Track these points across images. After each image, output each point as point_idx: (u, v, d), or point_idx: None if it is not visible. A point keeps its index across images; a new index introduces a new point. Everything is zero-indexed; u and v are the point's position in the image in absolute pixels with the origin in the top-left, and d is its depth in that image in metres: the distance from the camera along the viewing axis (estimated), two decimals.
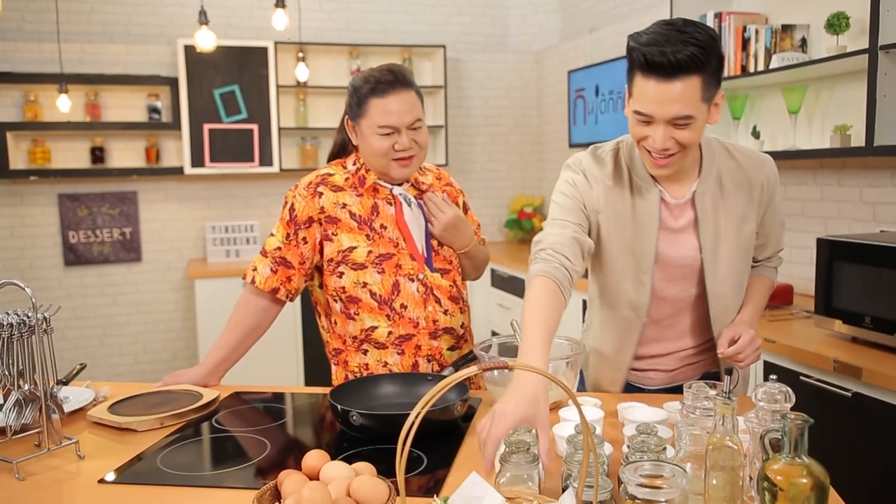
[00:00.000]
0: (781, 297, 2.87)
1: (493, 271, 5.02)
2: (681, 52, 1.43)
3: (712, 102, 1.54)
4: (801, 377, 2.31)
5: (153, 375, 5.17)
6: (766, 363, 2.48)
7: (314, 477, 1.15)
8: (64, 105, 4.46)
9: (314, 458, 1.17)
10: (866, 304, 2.25)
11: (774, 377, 1.11)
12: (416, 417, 0.96)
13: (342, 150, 2.00)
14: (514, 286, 4.71)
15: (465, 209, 2.07)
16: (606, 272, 1.76)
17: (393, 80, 1.83)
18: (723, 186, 1.70)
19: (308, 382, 4.86)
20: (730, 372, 1.07)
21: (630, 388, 1.86)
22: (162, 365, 5.20)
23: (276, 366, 4.72)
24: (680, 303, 1.75)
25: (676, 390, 1.82)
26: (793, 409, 1.09)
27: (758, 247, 1.82)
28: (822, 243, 2.41)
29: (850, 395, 2.14)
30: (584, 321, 1.97)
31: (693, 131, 1.52)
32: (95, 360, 5.06)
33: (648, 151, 1.58)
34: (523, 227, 5.65)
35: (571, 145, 5.09)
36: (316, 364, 4.83)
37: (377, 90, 1.82)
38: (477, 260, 2.04)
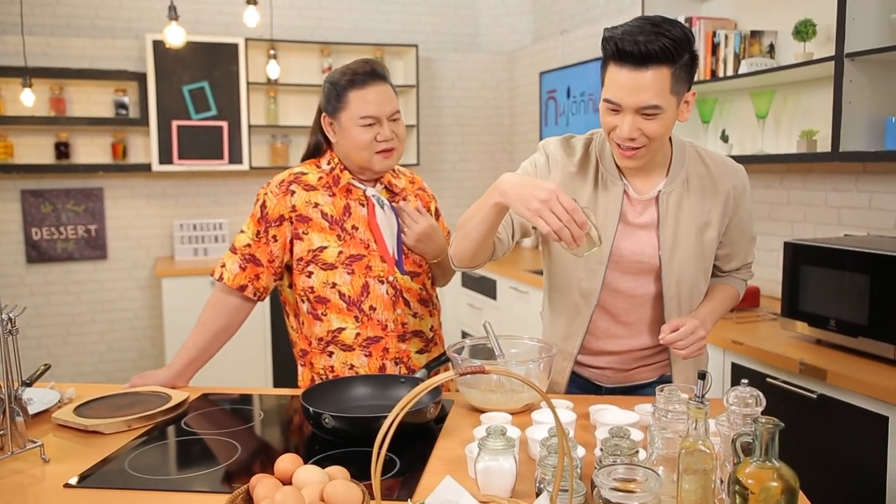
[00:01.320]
0: (748, 300, 2.91)
1: (462, 272, 5.02)
2: (653, 42, 1.47)
3: (682, 99, 1.57)
4: (768, 379, 2.34)
5: (118, 375, 5.09)
6: (733, 365, 2.51)
7: (287, 481, 1.14)
8: (28, 99, 4.37)
9: (287, 462, 1.16)
10: (831, 307, 2.29)
11: (745, 381, 1.13)
12: (393, 421, 0.95)
13: (316, 151, 1.98)
14: (485, 286, 4.72)
15: (437, 215, 2.06)
16: (559, 256, 1.77)
17: (371, 71, 1.84)
18: (689, 189, 1.71)
19: (276, 383, 4.82)
20: (702, 376, 1.08)
21: (587, 386, 1.87)
22: (127, 364, 5.12)
23: (245, 366, 4.67)
24: (636, 298, 1.76)
25: (632, 391, 1.85)
26: (762, 412, 1.11)
27: (722, 257, 1.82)
28: (788, 247, 2.45)
29: (815, 396, 2.18)
30: None
31: (661, 123, 1.54)
32: (59, 360, 4.96)
33: (618, 144, 1.60)
34: None
35: None
36: (284, 365, 4.79)
37: (356, 82, 1.82)
38: (447, 268, 2.04)
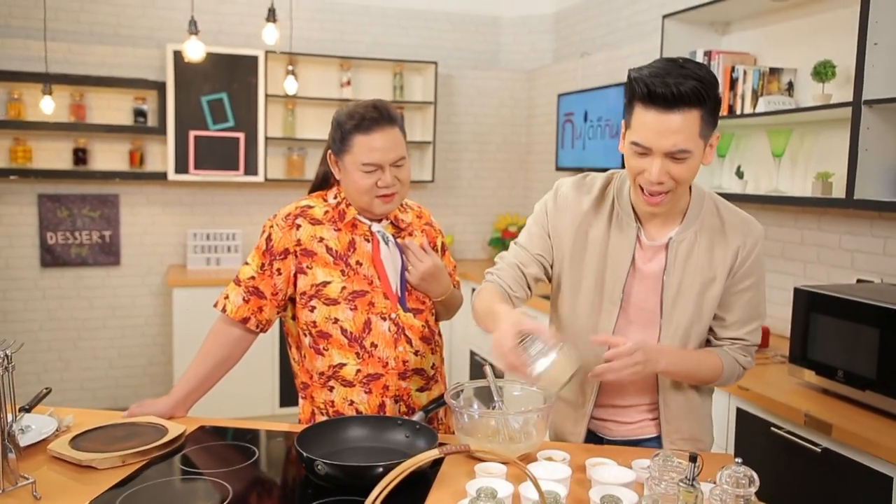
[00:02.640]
0: None
1: (473, 290, 5.00)
2: (683, 84, 1.45)
3: (708, 142, 1.55)
4: (773, 428, 2.31)
5: (126, 381, 5.12)
6: (738, 410, 2.48)
7: None
8: (48, 107, 4.41)
9: None
10: (840, 358, 2.26)
11: (739, 460, 1.11)
12: (380, 494, 0.94)
13: (324, 182, 1.98)
14: None
15: (443, 250, 2.05)
16: (570, 301, 1.76)
17: (377, 116, 1.82)
18: (699, 241, 1.68)
19: (283, 401, 4.83)
20: (693, 459, 1.06)
21: (590, 436, 1.84)
22: (137, 370, 5.15)
23: (252, 382, 4.68)
24: None
25: (635, 444, 1.81)
26: (764, 460, 1.08)
27: (717, 319, 1.72)
28: (799, 294, 2.42)
29: (819, 450, 2.14)
30: None
31: (689, 167, 1.53)
32: (69, 363, 5.00)
33: (642, 189, 1.58)
34: (507, 245, 5.62)
35: (558, 168, 5.09)
36: (292, 382, 4.79)
37: (361, 126, 1.81)
38: (451, 305, 2.03)
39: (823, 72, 2.74)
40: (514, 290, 1.72)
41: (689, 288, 1.68)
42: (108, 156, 4.95)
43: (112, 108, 4.92)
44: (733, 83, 3.17)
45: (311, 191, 2.01)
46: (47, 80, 4.48)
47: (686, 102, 1.46)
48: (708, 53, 3.27)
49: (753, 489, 1.10)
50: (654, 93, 1.47)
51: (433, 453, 0.95)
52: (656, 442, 1.80)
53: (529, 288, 1.77)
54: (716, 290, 1.68)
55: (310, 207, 1.91)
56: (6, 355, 1.39)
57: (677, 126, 1.47)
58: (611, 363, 1.56)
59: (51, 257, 4.89)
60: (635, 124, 1.53)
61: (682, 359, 1.68)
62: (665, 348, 1.68)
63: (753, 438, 2.41)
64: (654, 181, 1.53)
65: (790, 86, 3.06)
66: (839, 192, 2.72)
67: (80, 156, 4.83)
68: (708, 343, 1.76)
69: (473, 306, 1.72)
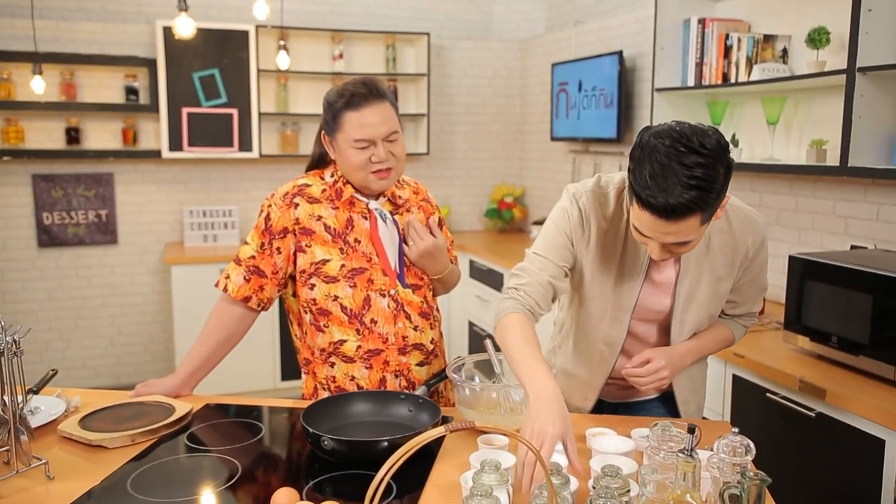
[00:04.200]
0: None
1: (471, 262, 5.04)
2: (682, 196, 1.37)
3: (714, 214, 1.49)
4: (768, 394, 2.35)
5: (128, 358, 5.15)
6: (734, 377, 2.52)
7: None
8: (38, 86, 4.38)
9: (283, 497, 1.19)
10: (834, 324, 2.29)
11: (736, 430, 1.14)
12: (387, 472, 0.97)
13: (320, 162, 1.99)
14: (492, 279, 4.73)
15: (440, 225, 2.07)
16: (585, 308, 1.80)
17: (367, 92, 1.83)
18: (710, 246, 1.71)
19: (284, 375, 4.87)
20: (692, 430, 1.09)
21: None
22: (137, 348, 5.18)
23: (254, 357, 4.72)
24: (645, 340, 1.82)
25: (633, 406, 1.91)
26: (759, 426, 1.11)
27: (729, 303, 1.83)
28: (794, 261, 2.45)
29: (814, 415, 2.19)
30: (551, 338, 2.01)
31: (692, 247, 1.52)
32: (70, 342, 5.02)
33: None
34: (503, 216, 5.66)
35: (553, 138, 5.09)
36: (294, 357, 4.83)
37: (351, 104, 1.82)
38: (448, 282, 2.06)
39: (818, 38, 2.74)
40: (541, 307, 1.68)
41: (702, 292, 1.74)
42: (101, 135, 4.93)
43: (103, 86, 4.89)
44: (727, 51, 3.16)
45: (308, 170, 2.02)
46: (37, 60, 4.44)
47: (685, 213, 1.39)
48: (702, 21, 3.26)
49: (750, 457, 1.13)
50: (649, 203, 1.40)
51: (439, 430, 0.97)
52: (653, 405, 1.90)
53: (554, 300, 1.74)
54: (725, 286, 1.76)
55: (307, 186, 1.92)
56: (14, 340, 1.41)
57: (675, 229, 1.43)
58: (638, 379, 1.66)
59: (47, 237, 4.89)
60: (634, 215, 1.49)
61: (701, 347, 1.80)
62: (684, 350, 1.76)
63: (749, 404, 2.45)
64: (657, 258, 1.53)
65: (784, 53, 3.06)
66: (833, 159, 2.73)
67: (72, 135, 4.81)
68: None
69: (500, 329, 1.64)
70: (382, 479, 0.93)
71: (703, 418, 1.97)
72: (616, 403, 1.93)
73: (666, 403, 1.90)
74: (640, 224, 1.48)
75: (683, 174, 1.37)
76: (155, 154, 4.93)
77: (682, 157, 1.37)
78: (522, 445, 1.26)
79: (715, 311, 1.80)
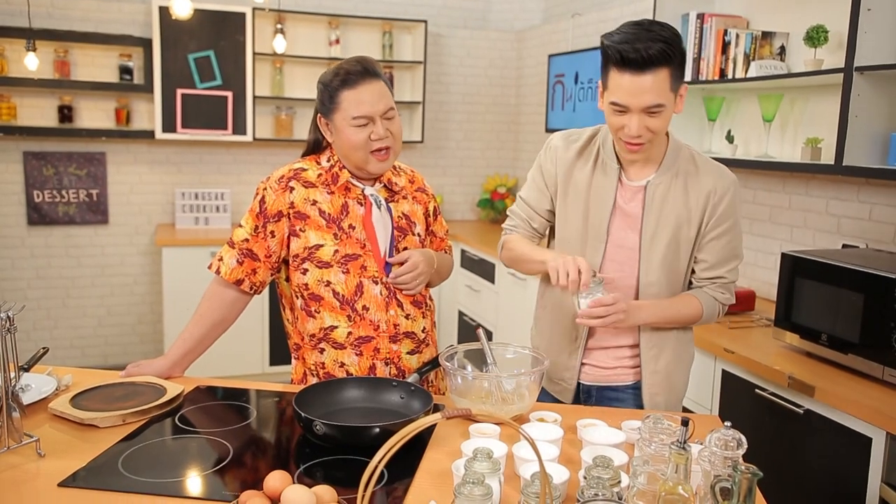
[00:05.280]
0: (743, 303, 2.92)
1: (463, 252, 5.04)
2: (651, 48, 1.62)
3: (678, 94, 1.73)
4: (757, 390, 2.37)
5: (116, 339, 5.14)
6: (724, 372, 2.54)
7: (276, 499, 1.16)
8: (32, 63, 4.34)
9: (276, 479, 1.19)
10: (824, 322, 2.31)
11: (728, 424, 1.14)
12: (382, 458, 0.97)
13: (316, 147, 1.98)
14: (483, 269, 4.74)
15: (436, 214, 2.07)
16: (562, 238, 1.95)
17: (362, 70, 1.83)
18: (675, 184, 1.85)
19: (273, 360, 4.87)
20: (685, 423, 1.10)
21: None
22: (126, 329, 5.16)
23: (243, 341, 4.71)
24: (620, 290, 1.85)
25: (607, 391, 1.95)
26: (748, 422, 1.13)
27: (699, 261, 1.90)
28: (785, 258, 2.46)
29: (802, 411, 2.20)
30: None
31: (663, 118, 1.72)
32: (58, 322, 5.00)
33: (625, 141, 1.75)
34: (496, 207, 5.66)
35: (548, 130, 5.09)
36: (282, 342, 4.82)
37: (348, 82, 1.82)
38: (442, 271, 2.06)
39: (816, 37, 2.74)
40: (534, 237, 2.01)
41: (665, 228, 1.84)
42: (94, 114, 4.89)
43: (97, 65, 4.85)
44: (725, 47, 3.17)
45: (304, 155, 2.00)
46: (31, 36, 4.39)
47: (655, 63, 1.63)
48: (701, 16, 3.26)
49: (741, 451, 1.14)
50: (627, 58, 1.64)
51: (436, 417, 0.98)
52: (626, 393, 1.94)
53: (538, 237, 2.03)
54: (689, 232, 1.85)
55: (303, 170, 1.91)
56: (8, 317, 1.40)
57: (650, 85, 1.65)
58: (594, 309, 1.73)
59: (38, 215, 4.85)
60: (612, 86, 1.70)
61: (662, 307, 1.86)
62: (644, 303, 1.85)
63: (738, 400, 2.47)
64: (634, 135, 1.71)
65: (782, 50, 3.06)
66: (828, 157, 2.74)
67: (65, 113, 4.77)
68: (690, 285, 1.94)
69: (507, 247, 2.00)
70: (377, 465, 0.94)
71: (688, 410, 2.00)
72: (591, 386, 1.96)
73: (637, 396, 1.94)
74: (618, 91, 1.67)
75: (649, 36, 1.64)
76: (148, 134, 4.90)
77: (645, 28, 1.65)
78: (553, 270, 1.72)
79: (680, 262, 1.87)
